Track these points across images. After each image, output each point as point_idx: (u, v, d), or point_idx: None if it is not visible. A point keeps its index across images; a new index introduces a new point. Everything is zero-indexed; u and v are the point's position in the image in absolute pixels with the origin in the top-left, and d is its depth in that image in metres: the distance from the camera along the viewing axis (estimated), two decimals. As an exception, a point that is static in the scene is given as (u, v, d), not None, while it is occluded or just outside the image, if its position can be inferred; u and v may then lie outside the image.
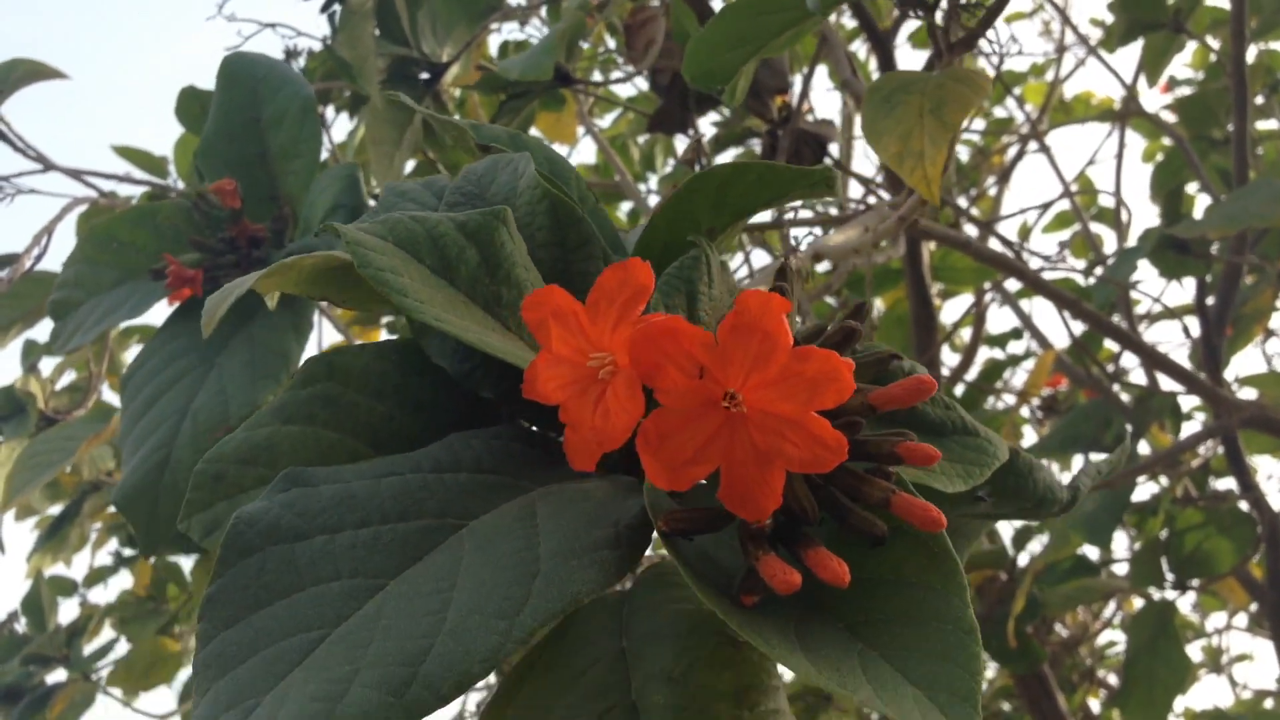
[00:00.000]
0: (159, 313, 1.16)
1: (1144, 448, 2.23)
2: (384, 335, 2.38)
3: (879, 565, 0.45)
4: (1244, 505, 2.04)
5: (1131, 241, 2.42)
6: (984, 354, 2.95)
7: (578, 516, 0.46)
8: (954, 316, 2.98)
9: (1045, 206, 2.71)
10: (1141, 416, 2.07)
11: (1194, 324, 2.22)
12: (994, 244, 2.46)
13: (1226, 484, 2.40)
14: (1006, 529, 2.60)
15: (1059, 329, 2.31)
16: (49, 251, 1.55)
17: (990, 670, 2.89)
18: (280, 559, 0.43)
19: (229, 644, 0.40)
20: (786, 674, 1.33)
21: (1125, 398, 2.27)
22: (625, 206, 2.98)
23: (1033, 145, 2.70)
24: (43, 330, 2.61)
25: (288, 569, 0.42)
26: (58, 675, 2.39)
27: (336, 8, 1.72)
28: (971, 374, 2.77)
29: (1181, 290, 2.72)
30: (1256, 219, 1.62)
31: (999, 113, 3.14)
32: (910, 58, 5.20)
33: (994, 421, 2.51)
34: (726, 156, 2.85)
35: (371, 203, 1.37)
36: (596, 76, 2.68)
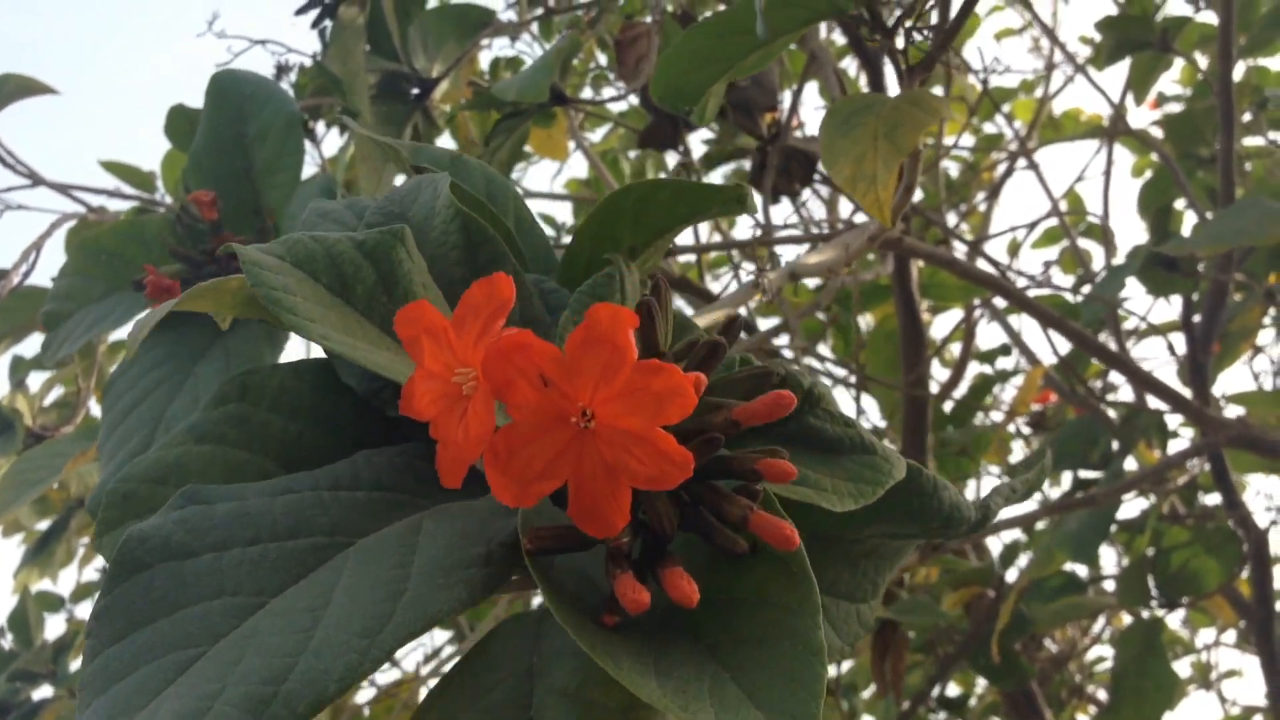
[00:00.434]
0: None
1: (1132, 464, 2.23)
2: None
3: (742, 585, 0.45)
4: (1231, 523, 2.05)
5: (1120, 258, 2.43)
6: (974, 369, 2.96)
7: (455, 534, 0.46)
8: (944, 331, 2.98)
9: (1033, 225, 2.72)
10: (1129, 434, 2.07)
11: (1181, 341, 2.23)
12: (982, 262, 2.47)
13: (1214, 499, 2.41)
14: (995, 544, 2.61)
15: (1048, 344, 2.32)
16: (37, 267, 1.55)
17: (980, 685, 2.90)
18: (169, 576, 0.43)
19: (112, 660, 0.41)
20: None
21: (1114, 414, 2.28)
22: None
23: (1022, 162, 2.71)
24: (30, 346, 2.60)
25: (175, 586, 0.43)
26: (44, 691, 2.38)
27: (327, 24, 1.73)
28: (961, 389, 2.78)
29: (1169, 307, 2.73)
30: (1244, 237, 1.62)
31: (989, 129, 3.15)
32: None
33: (983, 437, 2.52)
34: (717, 174, 2.86)
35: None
36: (588, 92, 2.69)
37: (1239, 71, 2.42)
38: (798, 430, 0.52)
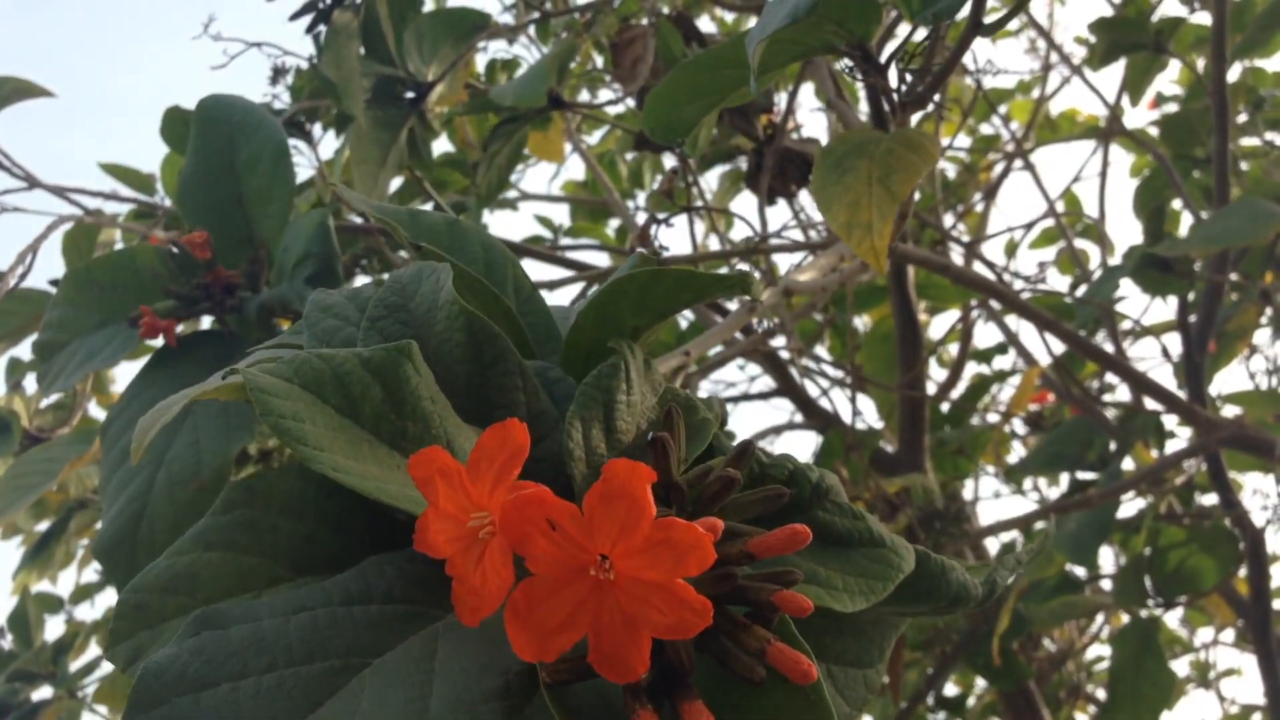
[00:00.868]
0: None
1: (1129, 465, 2.23)
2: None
3: (760, 710, 0.46)
4: (1228, 522, 2.05)
5: (1116, 258, 2.43)
6: (971, 368, 2.97)
7: (472, 662, 0.46)
8: (941, 332, 2.99)
9: (1029, 226, 2.72)
10: (1125, 434, 2.07)
11: (1177, 341, 2.23)
12: (978, 264, 2.47)
13: (1211, 499, 2.41)
14: (993, 544, 2.61)
15: (1045, 345, 2.33)
16: (34, 269, 1.55)
17: (979, 685, 2.90)
18: (186, 709, 0.43)
19: None
20: None
21: (1112, 414, 2.28)
22: (614, 223, 2.99)
23: (1019, 162, 2.72)
24: (27, 348, 2.61)
25: (193, 719, 0.43)
26: (44, 692, 2.38)
27: (322, 28, 1.73)
28: (958, 389, 2.78)
29: (1165, 307, 2.74)
30: (1237, 238, 1.63)
31: (985, 129, 3.16)
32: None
33: (980, 437, 2.52)
34: (714, 174, 2.86)
35: (374, 213, 1.37)
36: (585, 94, 2.69)
37: (1235, 72, 2.42)
38: (808, 525, 0.53)
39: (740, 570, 0.46)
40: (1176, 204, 2.41)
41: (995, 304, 2.66)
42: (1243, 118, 2.49)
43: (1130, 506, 2.42)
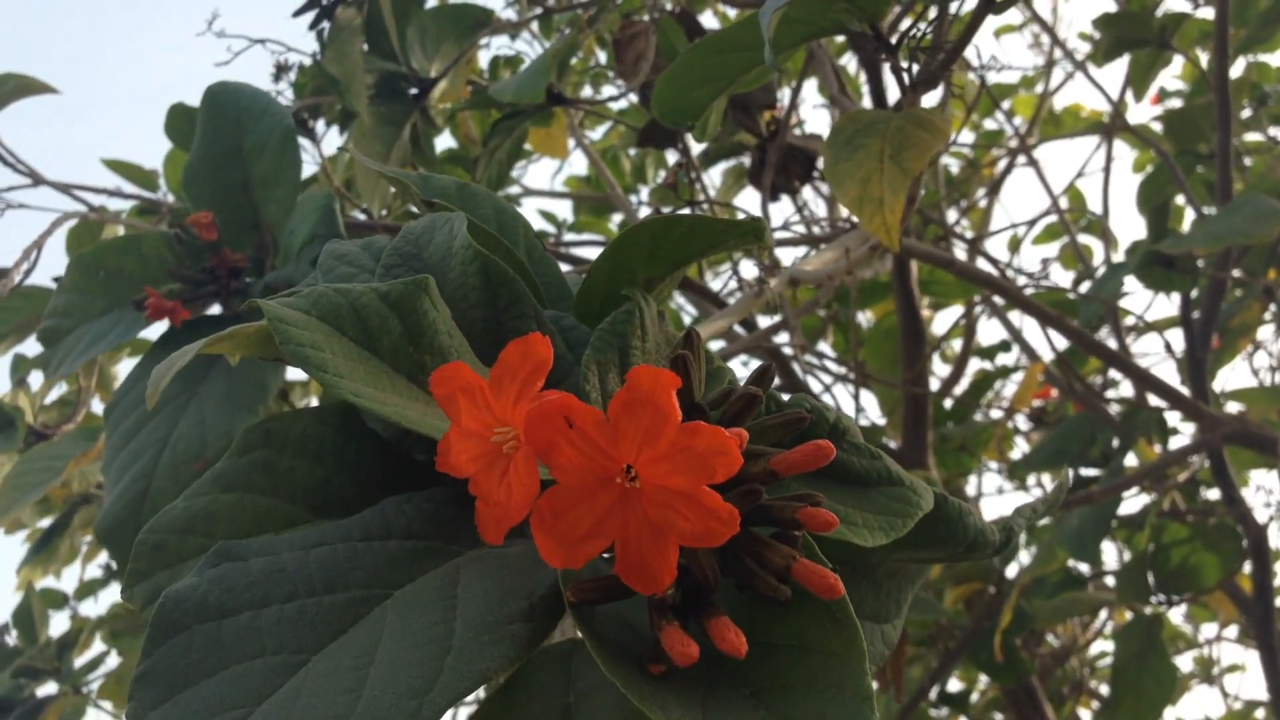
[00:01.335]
0: (153, 329, 1.19)
1: (1132, 461, 2.23)
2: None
3: (785, 630, 0.45)
4: (1231, 518, 2.05)
5: (1120, 254, 2.43)
6: (974, 364, 2.97)
7: (495, 587, 0.46)
8: (944, 328, 2.99)
9: (1033, 222, 2.72)
10: (1129, 430, 2.07)
11: (1181, 338, 2.23)
12: (982, 260, 2.47)
13: (1215, 494, 2.41)
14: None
15: (1047, 341, 2.33)
16: (38, 266, 1.56)
17: (982, 681, 2.90)
18: (207, 637, 0.43)
19: None
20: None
21: (1115, 410, 2.28)
22: (617, 219, 2.99)
23: (1022, 158, 2.71)
24: (32, 344, 2.61)
25: (214, 647, 0.42)
26: (49, 688, 2.39)
27: (325, 25, 1.73)
28: (962, 386, 2.78)
29: (1169, 303, 2.74)
30: (1241, 237, 1.63)
31: (989, 125, 3.15)
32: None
33: (983, 433, 2.52)
34: (716, 171, 2.86)
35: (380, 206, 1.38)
36: (587, 90, 2.69)
37: (1239, 68, 2.42)
38: (826, 464, 0.53)
39: (763, 490, 0.45)
40: (1180, 199, 2.40)
41: (999, 300, 2.66)
42: (1246, 113, 2.48)
43: (1134, 503, 2.43)
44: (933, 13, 0.95)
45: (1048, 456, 2.21)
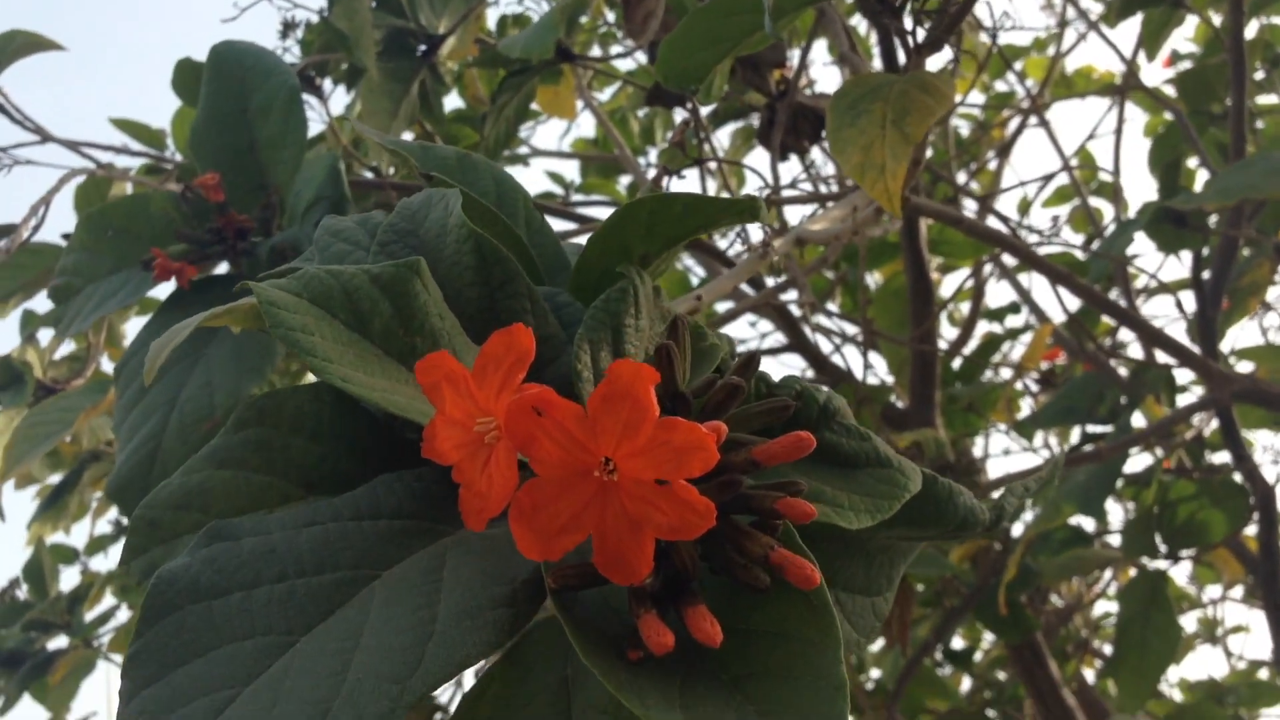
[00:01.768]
0: (162, 287, 1.19)
1: (1140, 419, 2.23)
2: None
3: (764, 617, 0.46)
4: (1238, 477, 2.05)
5: (1130, 215, 2.42)
6: (983, 327, 2.96)
7: (479, 571, 0.47)
8: (953, 290, 2.98)
9: (1046, 179, 2.70)
10: (1136, 389, 2.07)
11: (1190, 298, 2.22)
12: (992, 219, 2.46)
13: (1222, 457, 2.41)
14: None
15: (1057, 302, 2.32)
16: (46, 222, 1.56)
17: (987, 640, 2.92)
18: (199, 617, 0.44)
19: (149, 703, 0.41)
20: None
21: (1123, 370, 2.28)
22: (625, 180, 2.98)
23: (1033, 119, 2.70)
24: (41, 300, 2.62)
25: (206, 626, 0.43)
26: (59, 641, 2.42)
27: (333, -21, 1.72)
28: (970, 347, 2.78)
29: (1180, 265, 2.73)
30: (1253, 191, 1.62)
31: (1000, 86, 3.13)
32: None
33: (991, 394, 2.52)
34: (726, 130, 2.85)
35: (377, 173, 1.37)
36: (596, 50, 2.67)
37: (1252, 29, 2.40)
38: (818, 447, 0.53)
39: (744, 480, 0.46)
40: (1192, 162, 2.39)
41: (1008, 261, 2.65)
42: (1260, 75, 2.46)
43: (1140, 462, 2.43)
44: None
45: (1056, 413, 2.21)
